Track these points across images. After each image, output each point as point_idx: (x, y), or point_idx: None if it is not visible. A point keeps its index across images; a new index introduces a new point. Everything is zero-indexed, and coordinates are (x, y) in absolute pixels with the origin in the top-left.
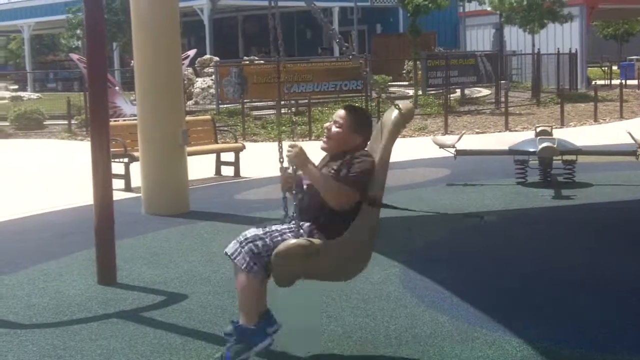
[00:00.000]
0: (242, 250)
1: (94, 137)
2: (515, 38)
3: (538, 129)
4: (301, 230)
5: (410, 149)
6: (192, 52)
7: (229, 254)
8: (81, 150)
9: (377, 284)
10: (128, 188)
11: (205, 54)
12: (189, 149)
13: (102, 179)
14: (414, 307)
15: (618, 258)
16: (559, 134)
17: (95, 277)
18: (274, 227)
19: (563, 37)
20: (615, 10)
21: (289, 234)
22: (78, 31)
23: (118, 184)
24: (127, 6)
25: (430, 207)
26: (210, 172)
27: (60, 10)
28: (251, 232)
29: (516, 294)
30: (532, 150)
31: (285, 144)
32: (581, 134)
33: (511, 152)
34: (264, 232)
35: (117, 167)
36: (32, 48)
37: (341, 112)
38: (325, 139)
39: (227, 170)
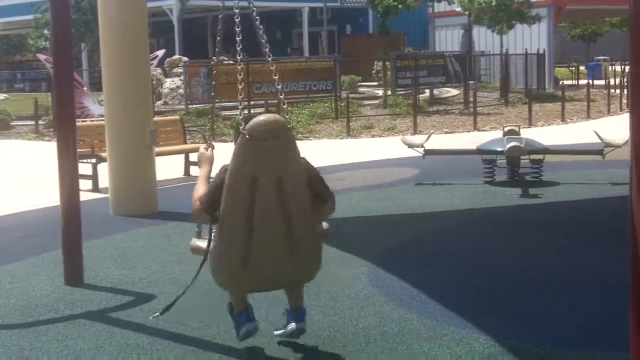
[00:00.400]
0: None
1: (60, 137)
2: (484, 38)
3: (506, 129)
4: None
5: (379, 148)
6: (160, 52)
7: None
8: (49, 150)
9: (346, 282)
10: (96, 189)
11: (175, 54)
12: (157, 149)
13: (69, 179)
14: (382, 305)
15: (584, 256)
16: (527, 133)
17: (62, 278)
18: None
19: (531, 37)
20: (583, 11)
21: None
22: (45, 31)
23: (86, 184)
24: (96, 5)
25: (400, 207)
26: (179, 173)
27: (27, 10)
28: None
29: (484, 291)
30: (500, 149)
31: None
32: (549, 134)
33: (479, 151)
34: None
35: (85, 168)
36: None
37: None
38: None
39: (196, 171)
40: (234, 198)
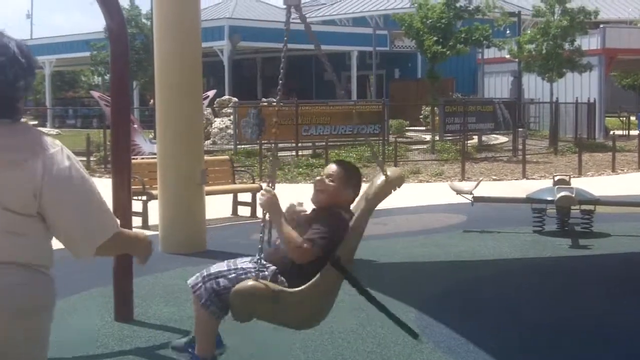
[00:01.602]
0: (204, 285)
1: (116, 174)
2: (534, 86)
3: (556, 178)
4: (265, 272)
5: (426, 193)
6: (211, 93)
7: (190, 285)
8: (100, 187)
9: (393, 328)
10: (145, 226)
11: (224, 94)
12: (206, 188)
13: (122, 215)
14: (430, 352)
15: (632, 312)
16: (577, 183)
17: (112, 314)
18: (240, 265)
19: (582, 86)
20: (635, 61)
21: (253, 274)
22: (99, 68)
23: (136, 221)
24: (148, 45)
25: (446, 253)
26: (227, 212)
27: (81, 47)
28: (215, 267)
29: (532, 342)
30: (550, 199)
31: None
32: (599, 184)
33: (529, 200)
34: (227, 268)
35: (135, 205)
36: (53, 84)
37: (334, 167)
38: (317, 192)
39: (244, 211)
40: (355, 246)
